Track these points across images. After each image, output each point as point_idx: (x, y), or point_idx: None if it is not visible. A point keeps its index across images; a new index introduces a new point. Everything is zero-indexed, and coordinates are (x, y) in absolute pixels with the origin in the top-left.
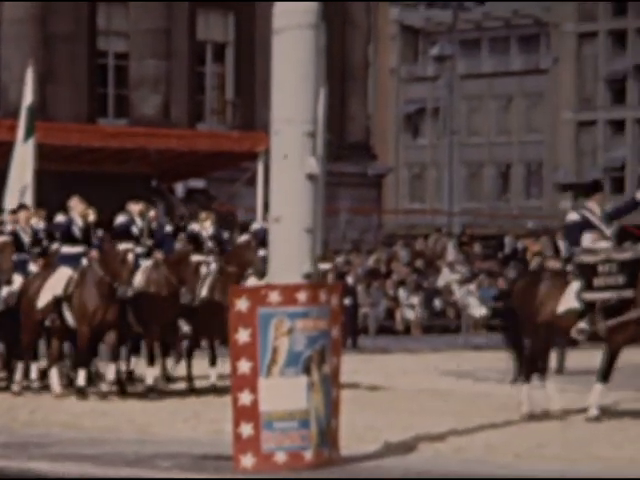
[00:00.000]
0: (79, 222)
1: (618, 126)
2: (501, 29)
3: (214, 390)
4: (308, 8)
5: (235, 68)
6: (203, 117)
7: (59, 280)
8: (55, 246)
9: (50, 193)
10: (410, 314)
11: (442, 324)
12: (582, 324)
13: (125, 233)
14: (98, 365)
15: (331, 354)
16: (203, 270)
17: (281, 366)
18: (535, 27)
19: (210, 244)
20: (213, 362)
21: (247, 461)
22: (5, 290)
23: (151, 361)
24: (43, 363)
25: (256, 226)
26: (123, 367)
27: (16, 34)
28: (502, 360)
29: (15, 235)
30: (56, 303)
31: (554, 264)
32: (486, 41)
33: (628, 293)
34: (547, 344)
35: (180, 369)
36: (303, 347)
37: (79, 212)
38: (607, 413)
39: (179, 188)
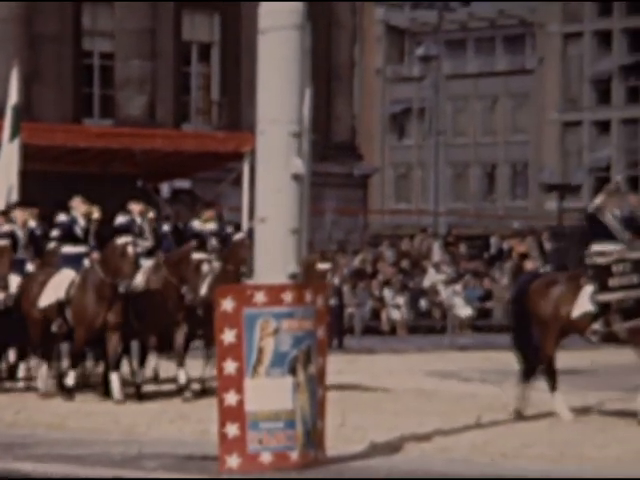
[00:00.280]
0: (81, 222)
1: (603, 126)
2: (486, 29)
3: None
4: (293, 8)
5: (220, 68)
6: (188, 117)
7: (61, 282)
8: (53, 245)
9: (35, 193)
10: (396, 314)
11: (428, 324)
12: (596, 325)
13: (126, 233)
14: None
15: (317, 354)
16: (205, 268)
17: (267, 366)
18: (520, 27)
19: (213, 242)
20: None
21: (233, 461)
22: (1, 295)
23: (181, 361)
24: (31, 363)
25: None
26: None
27: (1, 34)
28: (487, 360)
29: (12, 236)
30: (60, 307)
31: (532, 265)
32: (471, 41)
33: None
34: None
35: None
36: (289, 347)
37: (82, 211)
38: (592, 413)
39: (164, 188)
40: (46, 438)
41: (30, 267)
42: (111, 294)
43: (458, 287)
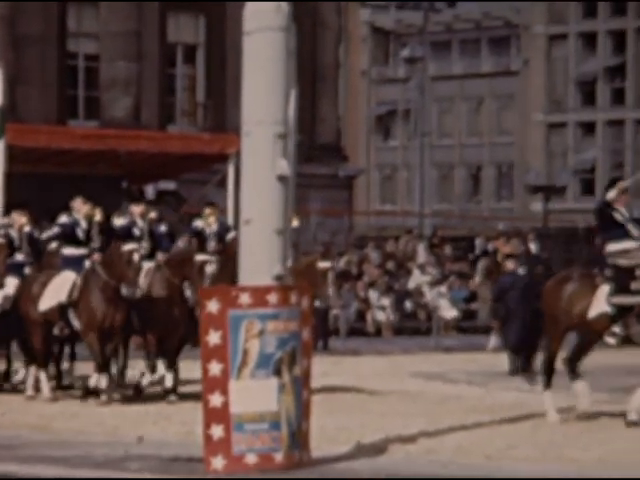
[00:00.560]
0: (83, 224)
1: (588, 128)
2: (471, 31)
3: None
4: (278, 10)
5: (206, 70)
6: (174, 119)
7: (63, 285)
8: (53, 246)
9: (20, 195)
10: (381, 316)
11: (413, 326)
12: (616, 328)
13: (127, 235)
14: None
15: (302, 356)
16: (208, 269)
17: (252, 368)
18: (505, 29)
19: (213, 243)
20: None
21: (218, 463)
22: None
23: (171, 364)
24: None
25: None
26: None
27: None
28: (473, 362)
29: (7, 237)
30: (61, 310)
31: (510, 265)
32: (457, 43)
33: None
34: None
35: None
36: (274, 349)
37: (85, 213)
38: (576, 415)
39: (149, 190)
40: (31, 439)
41: (28, 271)
42: (115, 296)
43: (443, 288)
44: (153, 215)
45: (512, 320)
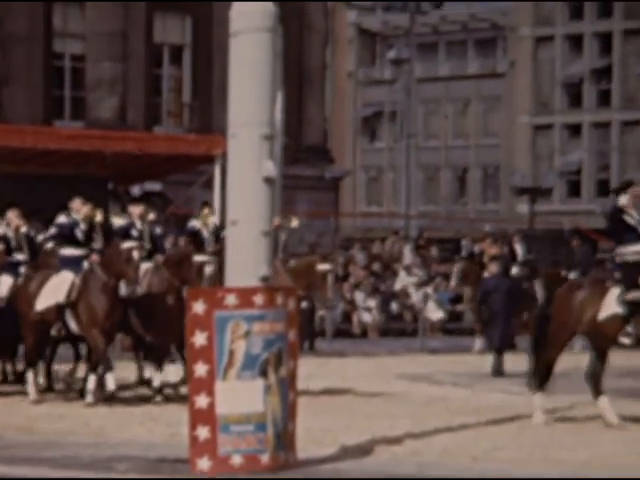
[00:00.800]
0: (82, 224)
1: (574, 130)
2: (458, 33)
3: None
4: (265, 11)
5: (192, 71)
6: (160, 120)
7: (60, 285)
8: (50, 245)
9: (5, 195)
10: (367, 317)
11: (399, 327)
12: (629, 327)
13: (125, 236)
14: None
15: (288, 357)
16: (207, 270)
17: (238, 369)
18: (492, 31)
19: (211, 244)
20: None
21: (203, 464)
22: None
23: (159, 365)
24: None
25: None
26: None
27: None
28: (458, 363)
29: (4, 238)
30: (59, 311)
31: (494, 268)
32: (443, 45)
33: None
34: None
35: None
36: (260, 350)
37: (85, 214)
38: (561, 417)
39: (135, 191)
40: (16, 441)
41: (23, 270)
42: (114, 296)
43: (429, 290)
44: (152, 216)
45: (495, 322)
